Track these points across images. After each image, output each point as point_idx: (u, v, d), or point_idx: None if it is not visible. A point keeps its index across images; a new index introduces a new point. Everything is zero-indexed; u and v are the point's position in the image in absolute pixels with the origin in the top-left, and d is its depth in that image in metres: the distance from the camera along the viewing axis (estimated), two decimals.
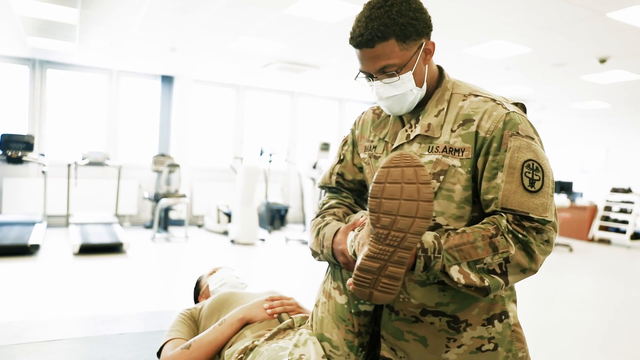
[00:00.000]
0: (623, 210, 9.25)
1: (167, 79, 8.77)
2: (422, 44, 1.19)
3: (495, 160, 1.14)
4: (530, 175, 1.12)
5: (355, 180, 1.45)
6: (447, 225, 1.19)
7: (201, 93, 9.19)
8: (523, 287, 5.05)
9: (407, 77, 1.19)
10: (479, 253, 1.09)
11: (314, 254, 1.35)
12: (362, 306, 1.29)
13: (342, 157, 1.47)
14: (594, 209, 9.57)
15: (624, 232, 9.01)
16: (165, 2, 4.74)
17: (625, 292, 5.38)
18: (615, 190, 9.55)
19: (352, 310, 1.29)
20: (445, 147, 1.18)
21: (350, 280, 1.07)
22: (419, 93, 1.23)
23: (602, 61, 5.98)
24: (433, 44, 1.21)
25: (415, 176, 1.02)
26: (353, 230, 1.21)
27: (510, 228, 1.10)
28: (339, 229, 1.26)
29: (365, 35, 1.15)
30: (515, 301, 1.30)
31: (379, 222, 1.03)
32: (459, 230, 1.14)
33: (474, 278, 1.09)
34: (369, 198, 1.05)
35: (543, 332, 3.69)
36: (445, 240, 1.12)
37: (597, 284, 5.89)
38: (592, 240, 9.43)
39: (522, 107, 1.24)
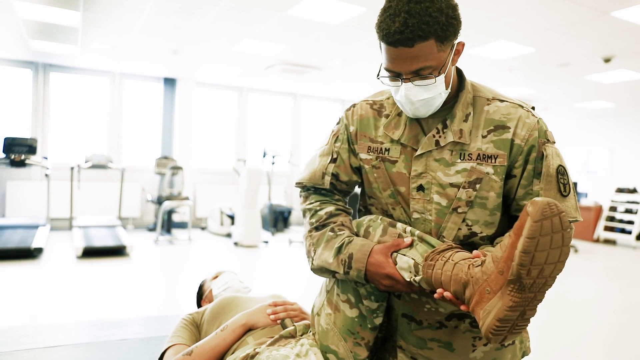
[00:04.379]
0: (628, 211, 9.20)
1: (169, 82, 8.77)
2: (454, 45, 1.12)
3: (533, 169, 1.15)
4: (563, 181, 1.15)
5: (350, 181, 1.34)
6: (481, 232, 1.18)
7: (204, 95, 9.19)
8: None
9: (439, 80, 1.12)
10: None
11: (325, 271, 1.27)
12: (377, 319, 1.26)
13: (335, 156, 1.33)
14: (599, 210, 9.52)
15: (629, 232, 8.96)
16: (167, 5, 4.73)
17: (631, 293, 5.33)
18: (620, 191, 9.50)
19: (369, 326, 1.25)
20: (478, 155, 1.16)
21: (488, 329, 1.02)
22: (445, 96, 1.17)
23: (607, 61, 5.94)
24: (463, 44, 1.15)
25: (560, 225, 1.00)
26: (396, 251, 1.15)
27: None
28: (372, 248, 1.18)
29: (406, 33, 1.04)
30: None
31: (529, 274, 0.99)
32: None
33: None
34: (520, 253, 0.97)
35: (547, 333, 3.66)
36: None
37: (602, 285, 5.84)
38: (597, 240, 9.38)
39: (533, 110, 1.23)
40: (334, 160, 1.33)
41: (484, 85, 1.25)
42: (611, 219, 9.37)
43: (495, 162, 1.15)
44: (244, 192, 7.05)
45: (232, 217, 7.91)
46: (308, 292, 4.57)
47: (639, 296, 5.21)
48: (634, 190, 9.31)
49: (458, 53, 1.15)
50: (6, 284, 4.50)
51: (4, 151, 6.21)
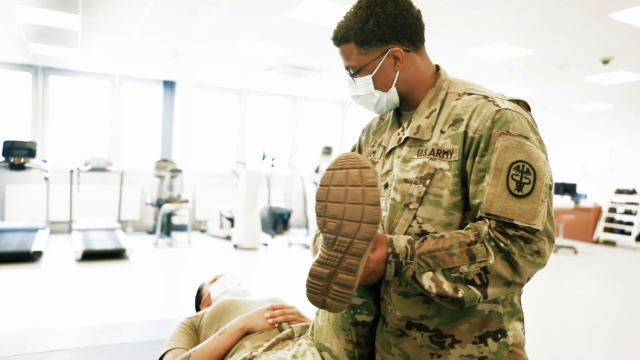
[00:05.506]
0: (628, 212, 9.21)
1: (169, 84, 8.78)
2: (387, 51, 1.16)
3: (482, 162, 1.05)
4: (518, 178, 1.02)
5: None
6: (435, 233, 1.10)
7: (203, 98, 9.20)
8: (528, 289, 5.03)
9: (365, 81, 1.19)
10: (455, 261, 1.02)
11: None
12: (359, 316, 1.26)
13: None
14: (598, 211, 9.53)
15: (629, 233, 8.97)
16: (166, 7, 4.74)
17: (631, 294, 5.34)
18: (619, 192, 9.50)
19: (350, 320, 1.26)
20: (433, 150, 1.12)
21: (305, 285, 1.05)
22: (385, 97, 1.20)
23: (605, 62, 5.95)
24: (400, 51, 1.16)
25: (360, 178, 0.98)
26: None
27: (492, 235, 1.01)
28: None
29: (335, 33, 1.21)
30: (521, 319, 1.19)
31: (326, 226, 1.00)
32: (438, 235, 1.06)
33: (447, 287, 1.02)
34: (315, 201, 1.02)
35: (547, 335, 3.66)
36: (420, 245, 1.05)
37: (602, 286, 5.84)
38: (597, 242, 9.38)
39: (524, 105, 1.16)
40: None
41: (468, 82, 1.21)
42: (611, 220, 9.37)
43: (450, 157, 1.09)
44: (244, 194, 7.05)
45: (231, 220, 7.91)
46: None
47: (638, 297, 5.21)
48: (633, 192, 9.32)
49: (399, 60, 1.17)
50: (6, 287, 4.50)
51: (3, 154, 6.21)
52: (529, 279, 1.04)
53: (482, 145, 1.06)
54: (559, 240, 8.38)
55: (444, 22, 4.78)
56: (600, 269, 7.00)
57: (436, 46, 5.65)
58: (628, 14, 4.37)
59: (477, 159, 1.06)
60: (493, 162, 1.04)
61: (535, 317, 4.07)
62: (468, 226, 1.07)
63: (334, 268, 0.99)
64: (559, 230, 8.47)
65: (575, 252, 7.97)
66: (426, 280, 1.03)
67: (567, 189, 9.64)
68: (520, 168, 1.02)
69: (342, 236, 0.98)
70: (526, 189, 1.01)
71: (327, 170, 1.01)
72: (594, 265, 7.14)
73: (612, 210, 9.46)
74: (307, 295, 1.04)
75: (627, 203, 9.27)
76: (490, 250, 1.01)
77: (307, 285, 1.04)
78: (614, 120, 10.43)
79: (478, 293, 1.01)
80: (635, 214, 9.03)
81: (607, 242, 9.34)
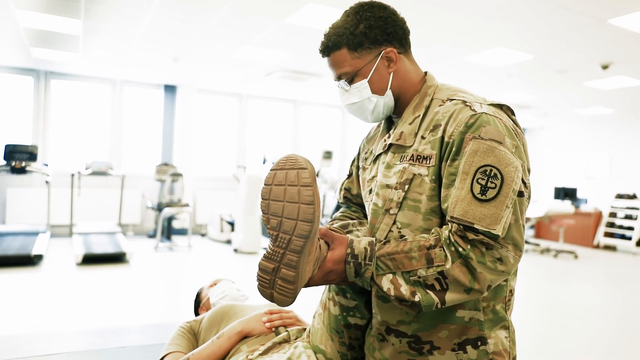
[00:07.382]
0: (628, 217, 9.20)
1: (170, 89, 8.81)
2: (380, 53, 1.17)
3: (453, 166, 1.05)
4: (483, 182, 1.00)
5: (360, 194, 1.40)
6: None
7: (204, 102, 9.22)
8: (528, 294, 5.04)
9: (362, 85, 1.18)
10: (413, 264, 1.03)
11: None
12: (352, 319, 1.27)
13: (350, 173, 1.45)
14: (599, 216, 9.53)
15: (629, 238, 8.96)
16: (167, 13, 4.76)
17: (631, 299, 5.33)
18: (620, 197, 9.50)
19: (343, 322, 1.27)
20: (412, 155, 1.13)
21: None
22: (382, 101, 1.20)
23: (605, 67, 5.97)
24: (394, 51, 1.17)
25: (297, 178, 1.03)
26: None
27: (452, 239, 1.00)
28: None
29: (324, 44, 1.20)
30: (505, 327, 1.15)
31: (269, 223, 1.06)
32: (404, 238, 1.08)
33: (405, 291, 1.02)
34: (261, 199, 1.08)
35: (547, 340, 3.66)
36: (380, 247, 1.07)
37: (602, 292, 5.83)
38: (597, 246, 9.37)
39: (508, 109, 1.14)
40: (348, 177, 1.46)
41: (454, 87, 1.21)
42: (611, 224, 9.37)
43: (429, 163, 1.10)
44: (244, 198, 7.06)
45: (232, 224, 7.92)
46: (306, 299, 4.57)
47: (638, 302, 5.20)
48: (633, 196, 9.32)
49: (392, 60, 1.18)
50: (6, 291, 4.51)
51: (4, 158, 6.24)
52: (489, 286, 1.02)
53: (454, 149, 1.06)
54: (559, 245, 8.38)
55: (444, 27, 4.81)
56: (600, 274, 6.99)
57: (436, 51, 5.67)
58: (627, 19, 4.39)
59: (448, 162, 1.07)
60: (461, 166, 1.03)
61: (534, 322, 4.07)
62: (432, 230, 1.07)
63: (277, 263, 1.06)
64: (559, 234, 8.47)
65: (576, 257, 7.96)
66: (385, 282, 1.05)
67: (568, 194, 9.64)
68: (488, 172, 1.00)
69: (283, 233, 1.04)
70: (490, 193, 1.00)
71: (270, 170, 1.08)
72: (594, 270, 7.13)
73: (613, 215, 9.46)
74: (258, 289, 1.09)
75: (628, 208, 9.27)
76: (449, 255, 1.00)
77: (257, 279, 1.09)
78: (614, 125, 10.44)
79: (435, 298, 1.01)
80: (635, 218, 9.02)
81: (608, 247, 9.33)
